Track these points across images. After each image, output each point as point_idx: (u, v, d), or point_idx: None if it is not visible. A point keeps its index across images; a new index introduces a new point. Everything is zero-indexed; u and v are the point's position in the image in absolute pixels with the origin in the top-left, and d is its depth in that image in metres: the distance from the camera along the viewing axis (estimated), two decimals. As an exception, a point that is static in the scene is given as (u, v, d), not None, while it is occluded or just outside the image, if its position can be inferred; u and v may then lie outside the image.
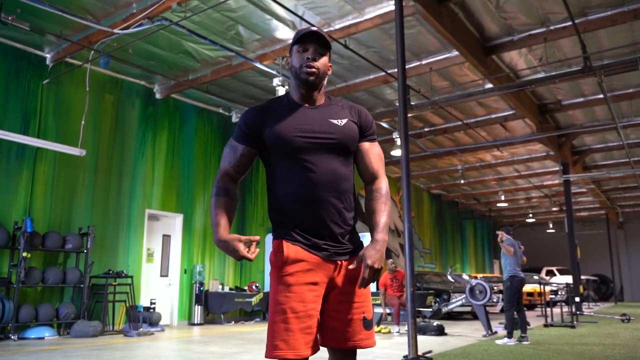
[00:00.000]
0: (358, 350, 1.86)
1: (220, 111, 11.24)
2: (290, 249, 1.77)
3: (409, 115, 10.80)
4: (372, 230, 1.81)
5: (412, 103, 9.68)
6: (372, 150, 1.91)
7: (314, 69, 1.78)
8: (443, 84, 10.07)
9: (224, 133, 11.32)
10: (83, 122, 8.39)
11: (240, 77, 9.58)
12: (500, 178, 18.10)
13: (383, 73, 9.11)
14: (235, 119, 11.48)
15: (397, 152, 11.70)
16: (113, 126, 9.12)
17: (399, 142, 11.25)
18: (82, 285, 7.94)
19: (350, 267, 1.75)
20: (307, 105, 1.84)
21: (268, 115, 1.81)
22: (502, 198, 19.72)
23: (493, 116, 11.97)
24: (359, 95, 10.66)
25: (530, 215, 25.13)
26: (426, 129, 12.82)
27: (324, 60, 1.82)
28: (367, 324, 1.80)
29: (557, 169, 15.67)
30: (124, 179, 9.14)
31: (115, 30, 7.02)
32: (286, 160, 1.77)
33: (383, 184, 1.89)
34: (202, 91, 9.88)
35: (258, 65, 8.32)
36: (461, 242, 23.48)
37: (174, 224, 10.11)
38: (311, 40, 1.81)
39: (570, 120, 12.48)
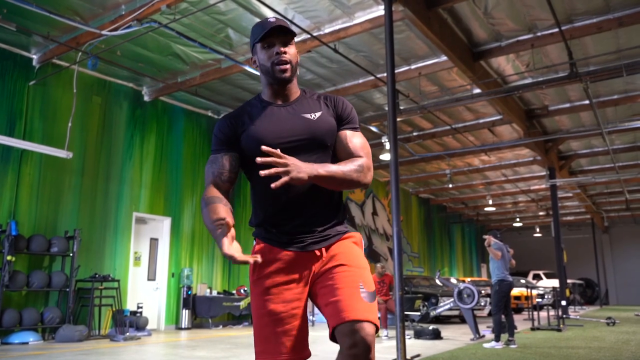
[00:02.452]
0: None
1: (209, 114, 11.19)
2: (264, 249, 1.74)
3: (398, 119, 10.86)
4: None
5: (401, 107, 9.73)
6: (353, 139, 1.77)
7: (286, 65, 1.70)
8: (432, 89, 10.13)
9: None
10: (70, 124, 8.30)
11: (229, 80, 9.55)
12: (488, 182, 18.23)
13: (372, 77, 9.14)
14: (224, 122, 11.42)
15: (386, 156, 11.73)
16: (100, 128, 9.05)
17: (387, 146, 11.30)
18: (67, 289, 7.84)
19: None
20: (280, 102, 1.77)
21: (240, 120, 1.77)
22: (490, 202, 19.86)
23: (481, 121, 12.06)
24: (348, 99, 10.65)
25: (518, 219, 25.33)
26: (415, 134, 12.87)
27: (293, 50, 1.74)
28: (368, 296, 1.61)
29: (543, 173, 15.81)
30: (111, 182, 9.06)
31: (104, 32, 6.97)
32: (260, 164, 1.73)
33: (360, 160, 1.70)
34: (190, 94, 9.84)
35: (247, 68, 8.31)
36: (449, 246, 23.59)
37: (162, 227, 10.03)
38: (275, 35, 1.71)
39: (556, 125, 12.62)
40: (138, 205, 9.47)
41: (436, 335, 8.19)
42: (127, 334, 7.81)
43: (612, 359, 5.68)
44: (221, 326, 10.41)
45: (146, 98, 9.84)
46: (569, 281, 19.79)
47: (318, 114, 1.75)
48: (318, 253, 1.72)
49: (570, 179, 15.84)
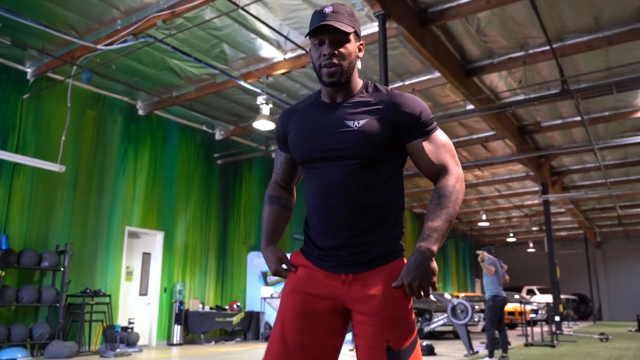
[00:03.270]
0: None
1: (204, 128, 11.21)
2: (297, 259, 1.62)
3: (392, 134, 10.91)
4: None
5: (395, 123, 9.77)
6: (428, 147, 1.56)
7: (334, 68, 1.52)
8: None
9: (207, 150, 11.27)
10: (63, 138, 8.28)
11: (224, 94, 9.59)
12: (482, 198, 18.30)
13: (366, 93, 9.18)
14: (218, 136, 11.46)
15: (379, 171, 11.79)
16: (94, 142, 9.03)
17: (381, 161, 11.33)
18: (58, 305, 7.75)
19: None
20: (332, 101, 1.60)
21: (290, 119, 1.67)
22: (484, 217, 19.91)
23: (474, 136, 12.15)
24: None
25: (511, 234, 25.38)
26: (408, 149, 12.91)
27: (347, 49, 1.54)
28: (393, 356, 1.42)
29: (536, 189, 15.89)
30: (104, 196, 9.02)
31: (99, 46, 6.99)
32: (304, 170, 1.63)
33: (448, 181, 1.53)
34: (185, 108, 9.85)
35: (242, 83, 8.35)
36: (443, 261, 23.57)
37: (155, 241, 9.97)
38: (327, 31, 1.52)
39: (549, 141, 12.72)
40: (131, 219, 9.42)
41: (430, 351, 8.14)
42: (118, 350, 7.71)
43: (606, 376, 5.66)
44: (213, 342, 10.30)
45: (141, 112, 9.84)
46: (562, 296, 19.79)
47: (362, 122, 1.53)
48: (344, 277, 1.51)
49: (563, 194, 15.93)
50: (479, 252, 7.75)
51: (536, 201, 17.37)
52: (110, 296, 8.45)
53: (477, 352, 8.17)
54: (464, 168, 14.12)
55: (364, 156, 1.52)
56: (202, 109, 10.13)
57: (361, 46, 1.60)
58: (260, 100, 8.42)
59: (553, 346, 9.60)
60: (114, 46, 6.97)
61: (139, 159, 9.74)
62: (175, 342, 9.63)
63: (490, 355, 7.07)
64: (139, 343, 8.62)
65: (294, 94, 9.63)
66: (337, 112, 1.57)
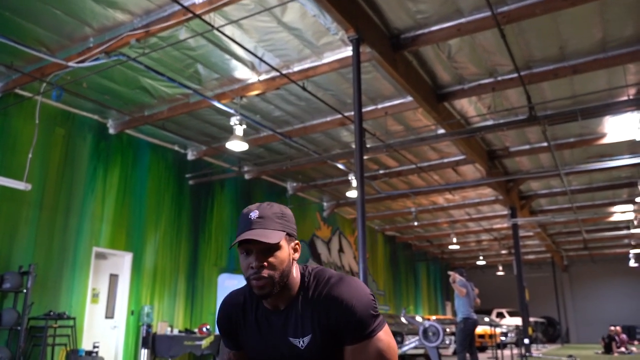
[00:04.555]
0: None
1: (176, 148, 11.10)
2: None
3: (365, 157, 11.00)
4: None
5: (368, 146, 9.88)
6: (364, 355, 1.36)
7: (263, 281, 1.37)
8: (398, 128, 10.36)
9: (179, 170, 11.15)
10: (30, 156, 8.08)
11: (197, 114, 9.54)
12: (452, 221, 18.54)
13: (340, 115, 9.29)
14: (190, 156, 11.35)
15: (352, 194, 11.82)
16: (62, 161, 8.83)
17: (354, 183, 11.40)
18: (19, 328, 7.44)
19: None
20: (272, 308, 1.47)
21: (237, 321, 1.55)
22: (454, 240, 20.15)
23: (445, 160, 12.36)
24: (315, 137, 10.80)
25: (481, 257, 25.71)
26: (381, 171, 13.06)
27: (277, 257, 1.39)
28: None
29: (505, 212, 16.20)
30: (71, 216, 8.79)
31: (70, 64, 6.90)
32: None
33: None
34: (157, 127, 9.76)
35: (216, 103, 8.33)
36: (414, 283, 23.66)
37: (123, 262, 9.73)
38: (252, 241, 1.38)
39: (517, 166, 13.04)
40: (98, 240, 9.19)
41: (402, 375, 8.11)
42: (81, 375, 7.43)
43: (574, 398, 5.72)
44: (181, 367, 10.03)
45: (111, 131, 9.70)
46: (531, 319, 20.04)
47: (306, 340, 1.40)
48: None
49: (531, 218, 16.28)
50: (450, 273, 7.81)
51: (505, 225, 17.70)
52: (75, 319, 8.17)
53: (448, 375, 8.18)
54: (436, 191, 14.34)
55: None
56: (175, 129, 10.05)
57: (297, 246, 1.47)
58: (234, 121, 8.41)
59: (522, 369, 9.68)
60: (86, 64, 6.89)
61: (108, 178, 9.55)
62: (141, 367, 9.35)
63: (461, 378, 7.07)
64: (104, 368, 8.33)
65: (268, 115, 9.66)
66: (282, 326, 1.45)
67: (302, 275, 1.48)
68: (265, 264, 1.38)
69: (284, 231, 1.41)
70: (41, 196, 8.38)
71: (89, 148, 9.30)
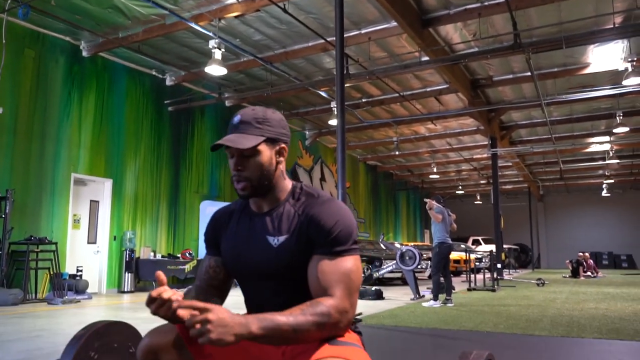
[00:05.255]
0: None
1: (154, 73, 10.77)
2: None
3: (347, 85, 10.85)
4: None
5: (350, 72, 9.70)
6: (323, 267, 1.34)
7: (242, 184, 1.42)
8: (381, 55, 10.14)
9: (157, 96, 10.89)
10: None
11: (174, 37, 9.19)
12: (433, 150, 18.70)
13: (322, 40, 9.03)
14: (169, 81, 11.06)
15: (335, 122, 11.74)
16: (34, 84, 8.52)
17: (336, 111, 11.30)
18: (0, 252, 7.49)
19: None
20: (257, 210, 1.50)
21: (222, 226, 1.58)
22: (435, 170, 20.42)
23: (428, 89, 12.25)
24: (297, 63, 10.55)
25: (460, 187, 26.26)
26: (364, 100, 12.93)
27: (256, 161, 1.41)
28: None
29: (486, 143, 16.36)
30: (47, 141, 8.62)
31: (36, -21, 6.48)
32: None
33: (328, 303, 1.28)
34: (133, 51, 9.41)
35: (193, 25, 8.00)
36: (394, 212, 24.21)
37: (103, 189, 9.70)
38: (227, 147, 1.41)
39: (499, 96, 13.00)
40: (77, 166, 9.09)
41: (378, 296, 8.45)
42: (66, 297, 7.60)
43: (539, 315, 6.07)
44: (165, 290, 10.29)
45: (85, 53, 9.32)
46: (505, 246, 20.81)
47: (281, 239, 1.42)
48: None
49: (510, 148, 16.49)
50: (427, 200, 7.96)
51: (485, 155, 17.93)
52: (57, 244, 8.22)
53: (423, 296, 8.55)
54: (418, 121, 14.32)
55: (286, 276, 1.42)
56: (151, 53, 9.70)
57: (282, 150, 1.47)
58: (212, 44, 8.13)
59: (494, 290, 10.16)
60: (53, -21, 6.48)
61: (84, 103, 9.30)
62: (126, 289, 9.58)
63: (435, 298, 7.41)
64: (89, 290, 8.52)
65: (248, 39, 9.35)
66: (261, 225, 1.47)
67: (294, 186, 1.51)
68: (240, 167, 1.42)
69: (263, 135, 1.42)
70: (14, 121, 8.15)
71: (62, 71, 8.97)
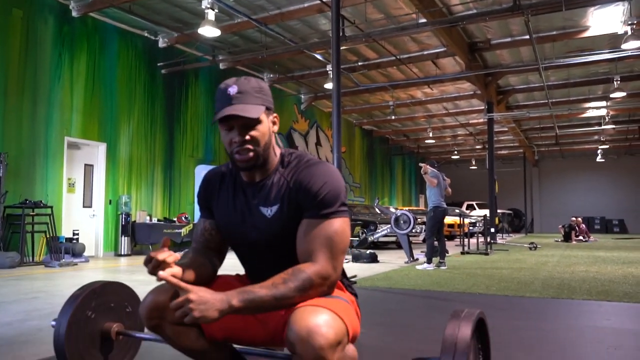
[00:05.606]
0: None
1: (146, 35, 10.55)
2: None
3: (343, 47, 10.67)
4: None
5: (347, 35, 9.54)
6: (310, 229, 1.36)
7: (249, 154, 1.40)
8: (378, 17, 9.95)
9: (150, 58, 10.70)
10: (-12, 39, 7.60)
11: (166, -3, 8.96)
12: (429, 115, 18.60)
13: (318, 1, 8.84)
14: (162, 43, 10.84)
15: (330, 86, 11.61)
16: (23, 45, 8.34)
17: (332, 75, 11.15)
18: (-5, 216, 7.50)
19: None
20: (249, 180, 1.51)
21: (213, 191, 1.58)
22: (430, 135, 20.37)
23: (425, 52, 12.09)
24: (292, 24, 10.35)
25: (455, 152, 26.26)
26: (360, 63, 12.76)
27: (259, 131, 1.40)
28: None
29: (482, 107, 16.27)
30: (39, 104, 8.50)
31: None
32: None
33: (309, 270, 1.30)
34: (124, 11, 9.19)
35: (185, -16, 7.79)
36: (390, 177, 24.27)
37: (97, 153, 9.64)
38: (233, 117, 1.38)
39: (497, 60, 12.85)
40: (70, 129, 9.00)
41: (373, 259, 8.55)
42: (63, 260, 7.65)
43: (530, 277, 6.18)
44: (162, 253, 10.38)
45: (74, 14, 9.10)
46: (498, 211, 21.00)
47: (274, 209, 1.44)
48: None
49: (507, 113, 16.41)
50: (421, 164, 7.97)
51: (481, 120, 17.85)
52: (52, 207, 8.23)
53: (417, 259, 8.66)
54: (414, 85, 14.19)
55: (283, 244, 1.44)
56: (143, 13, 9.48)
57: (275, 119, 1.47)
58: (205, 4, 7.94)
59: (487, 254, 10.30)
60: None
61: (75, 65, 9.13)
62: (123, 253, 9.65)
63: (429, 262, 7.50)
64: (86, 254, 8.58)
65: (242, 0, 9.13)
66: (254, 196, 1.48)
67: (282, 154, 1.51)
68: (248, 137, 1.39)
69: (264, 105, 1.41)
70: (5, 82, 8.02)
71: (52, 32, 8.77)
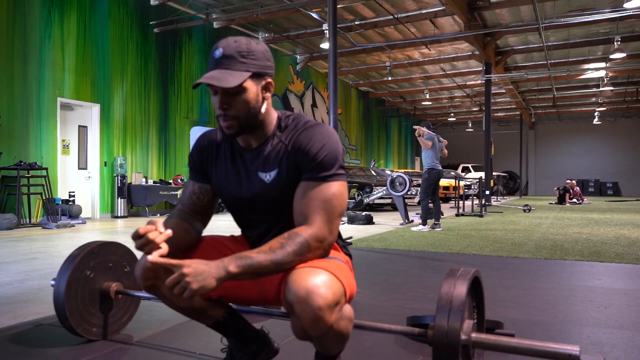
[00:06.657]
0: None
1: (137, -8, 10.28)
2: None
3: (340, 5, 10.44)
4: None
5: (344, -8, 9.31)
6: (307, 191, 1.36)
7: (228, 122, 1.36)
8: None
9: (142, 17, 10.45)
10: (-26, -4, 7.37)
11: (157, -48, 8.68)
12: (426, 77, 18.40)
13: (314, -43, 8.58)
14: (154, 1, 10.57)
15: (327, 46, 11.41)
16: (11, 2, 8.11)
17: (328, 34, 10.95)
18: (-10, 177, 7.46)
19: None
20: (245, 146, 1.48)
21: (209, 157, 1.55)
22: (427, 97, 20.22)
23: (424, 11, 11.85)
24: (288, -18, 10.07)
25: (452, 114, 26.13)
26: (357, 22, 12.52)
27: (242, 97, 1.34)
28: None
29: (480, 69, 16.10)
30: (30, 64, 8.34)
31: None
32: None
33: (305, 233, 1.30)
34: (114, -33, 8.90)
35: (177, -61, 7.53)
36: (386, 139, 24.21)
37: (90, 114, 9.54)
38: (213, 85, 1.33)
39: (497, 19, 12.63)
40: (62, 90, 8.86)
41: (368, 221, 8.62)
42: (60, 222, 7.68)
43: (524, 239, 6.26)
44: (158, 214, 10.44)
45: (63, -31, 8.82)
46: (494, 173, 21.09)
47: (272, 174, 1.42)
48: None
49: (505, 74, 16.25)
50: (416, 127, 7.92)
51: (479, 81, 17.71)
52: (47, 169, 8.19)
53: (412, 221, 8.73)
54: (412, 45, 13.97)
55: (283, 209, 1.44)
56: (134, -31, 9.19)
57: (268, 84, 1.39)
58: (198, -40, 7.69)
59: (481, 216, 10.40)
60: None
61: (65, 24, 8.91)
62: (119, 214, 9.69)
63: (424, 223, 7.56)
64: (82, 216, 8.60)
65: (236, -45, 8.85)
66: (252, 161, 1.46)
67: (279, 118, 1.46)
68: (226, 106, 1.35)
69: (249, 71, 1.33)
70: (-6, 42, 7.83)
71: (40, -11, 8.51)
